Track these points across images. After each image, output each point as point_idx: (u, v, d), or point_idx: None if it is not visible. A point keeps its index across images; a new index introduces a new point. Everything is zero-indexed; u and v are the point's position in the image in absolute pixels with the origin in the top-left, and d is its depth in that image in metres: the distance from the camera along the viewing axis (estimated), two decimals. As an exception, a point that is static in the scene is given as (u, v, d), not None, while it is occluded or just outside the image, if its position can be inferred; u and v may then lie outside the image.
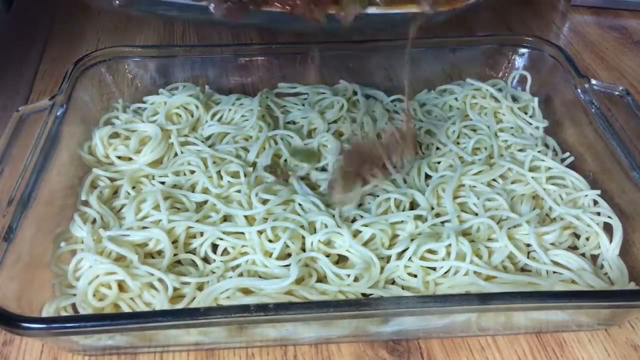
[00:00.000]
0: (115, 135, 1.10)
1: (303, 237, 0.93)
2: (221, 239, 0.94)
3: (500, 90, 1.21)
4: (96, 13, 1.58)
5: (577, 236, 0.97)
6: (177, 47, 1.36)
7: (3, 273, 0.78)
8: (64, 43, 1.46)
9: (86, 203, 0.98)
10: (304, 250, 0.93)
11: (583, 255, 0.94)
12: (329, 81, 1.24)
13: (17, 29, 1.51)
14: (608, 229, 0.95)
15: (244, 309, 0.73)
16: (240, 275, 0.89)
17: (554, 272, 0.90)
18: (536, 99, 1.19)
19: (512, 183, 1.04)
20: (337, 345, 0.86)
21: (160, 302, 0.84)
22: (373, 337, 0.85)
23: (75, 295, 0.84)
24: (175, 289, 0.86)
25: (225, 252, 0.93)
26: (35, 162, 0.91)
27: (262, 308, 0.72)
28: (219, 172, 1.03)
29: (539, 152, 1.08)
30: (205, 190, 1.01)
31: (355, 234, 0.94)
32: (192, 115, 1.17)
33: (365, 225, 0.94)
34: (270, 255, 0.90)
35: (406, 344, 0.86)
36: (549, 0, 1.69)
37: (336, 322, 0.79)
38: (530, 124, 1.16)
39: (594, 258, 0.95)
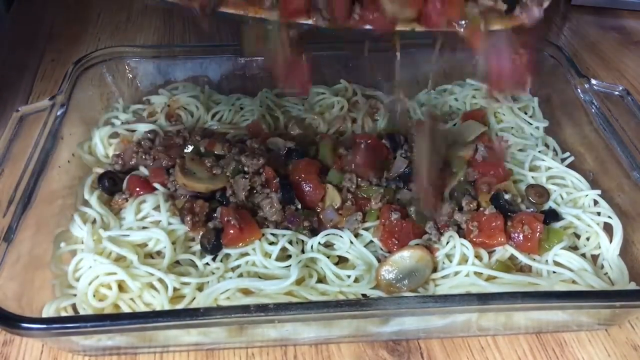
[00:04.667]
0: (115, 135, 1.10)
1: (303, 241, 0.93)
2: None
3: (500, 90, 1.21)
4: (96, 13, 1.58)
5: (577, 236, 0.97)
6: (177, 47, 1.36)
7: (3, 273, 0.78)
8: (64, 43, 1.46)
9: (86, 203, 0.98)
10: (304, 252, 0.92)
11: (583, 255, 0.94)
12: (329, 81, 1.24)
13: (17, 29, 1.51)
14: (608, 229, 0.95)
15: (244, 309, 0.73)
16: (240, 276, 0.89)
17: (554, 272, 0.90)
18: (536, 99, 1.19)
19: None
20: (337, 345, 0.85)
21: (160, 302, 0.84)
22: (373, 337, 0.85)
23: (75, 295, 0.84)
24: (175, 290, 0.86)
25: (226, 256, 0.93)
26: (35, 162, 0.91)
27: (262, 308, 0.72)
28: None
29: (539, 152, 1.08)
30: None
31: (356, 236, 0.94)
32: (192, 116, 1.17)
33: (366, 230, 0.95)
34: (270, 256, 0.90)
35: (406, 344, 0.86)
36: (548, 0, 1.69)
37: (336, 322, 0.79)
38: (531, 124, 1.16)
39: (594, 258, 0.95)
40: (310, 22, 0.77)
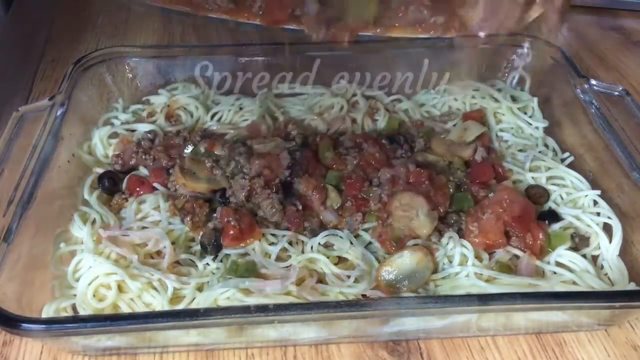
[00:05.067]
0: (115, 135, 1.10)
1: (303, 241, 0.93)
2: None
3: (499, 90, 1.21)
4: (96, 13, 1.58)
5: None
6: (177, 47, 1.36)
7: (3, 273, 0.78)
8: (64, 43, 1.46)
9: (86, 203, 0.98)
10: (304, 252, 0.92)
11: (584, 256, 0.94)
12: (329, 81, 1.24)
13: (17, 29, 1.51)
14: (608, 229, 0.95)
15: (244, 309, 0.73)
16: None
17: (554, 273, 0.90)
18: (536, 99, 1.19)
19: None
20: (337, 345, 0.85)
21: (160, 302, 0.84)
22: (373, 337, 0.85)
23: (75, 296, 0.84)
24: (175, 290, 0.86)
25: (226, 256, 0.92)
26: (35, 162, 0.91)
27: (262, 309, 0.73)
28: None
29: (539, 152, 1.08)
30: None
31: (356, 237, 0.94)
32: (192, 116, 1.17)
33: (365, 230, 0.95)
34: (270, 256, 0.90)
35: (406, 345, 0.86)
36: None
37: (336, 322, 0.79)
38: (530, 124, 1.16)
39: (594, 258, 0.95)
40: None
